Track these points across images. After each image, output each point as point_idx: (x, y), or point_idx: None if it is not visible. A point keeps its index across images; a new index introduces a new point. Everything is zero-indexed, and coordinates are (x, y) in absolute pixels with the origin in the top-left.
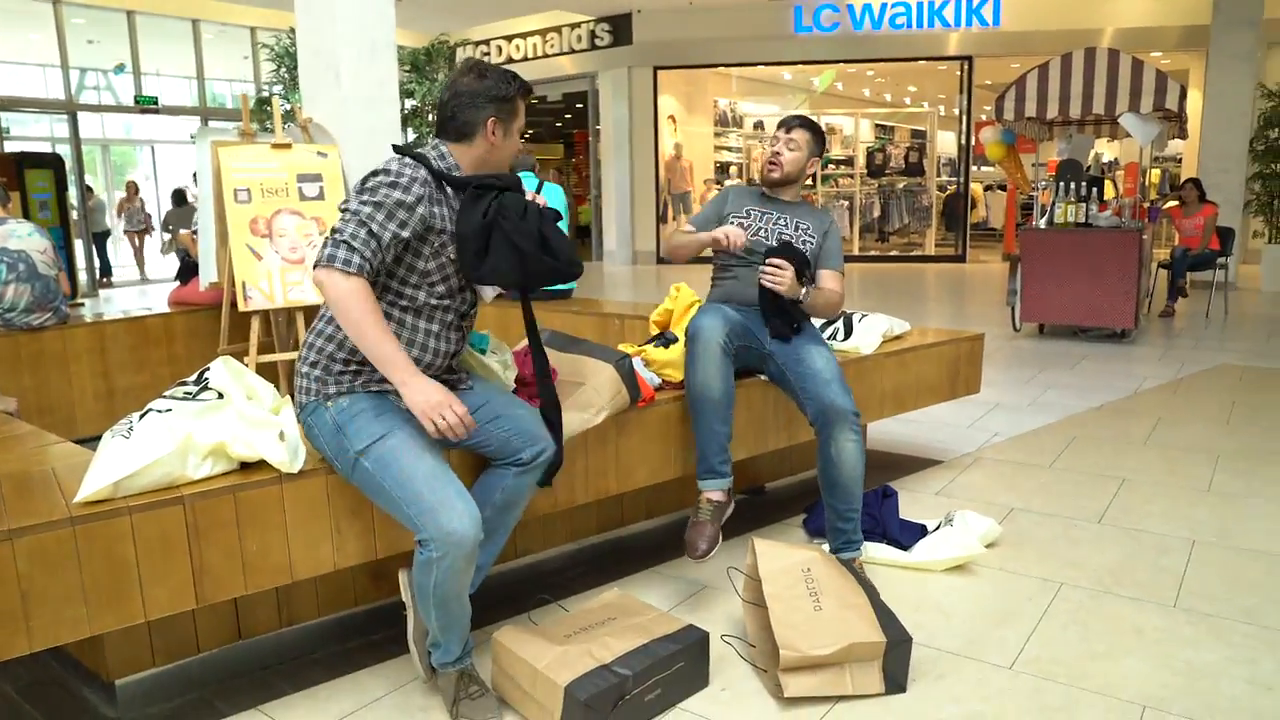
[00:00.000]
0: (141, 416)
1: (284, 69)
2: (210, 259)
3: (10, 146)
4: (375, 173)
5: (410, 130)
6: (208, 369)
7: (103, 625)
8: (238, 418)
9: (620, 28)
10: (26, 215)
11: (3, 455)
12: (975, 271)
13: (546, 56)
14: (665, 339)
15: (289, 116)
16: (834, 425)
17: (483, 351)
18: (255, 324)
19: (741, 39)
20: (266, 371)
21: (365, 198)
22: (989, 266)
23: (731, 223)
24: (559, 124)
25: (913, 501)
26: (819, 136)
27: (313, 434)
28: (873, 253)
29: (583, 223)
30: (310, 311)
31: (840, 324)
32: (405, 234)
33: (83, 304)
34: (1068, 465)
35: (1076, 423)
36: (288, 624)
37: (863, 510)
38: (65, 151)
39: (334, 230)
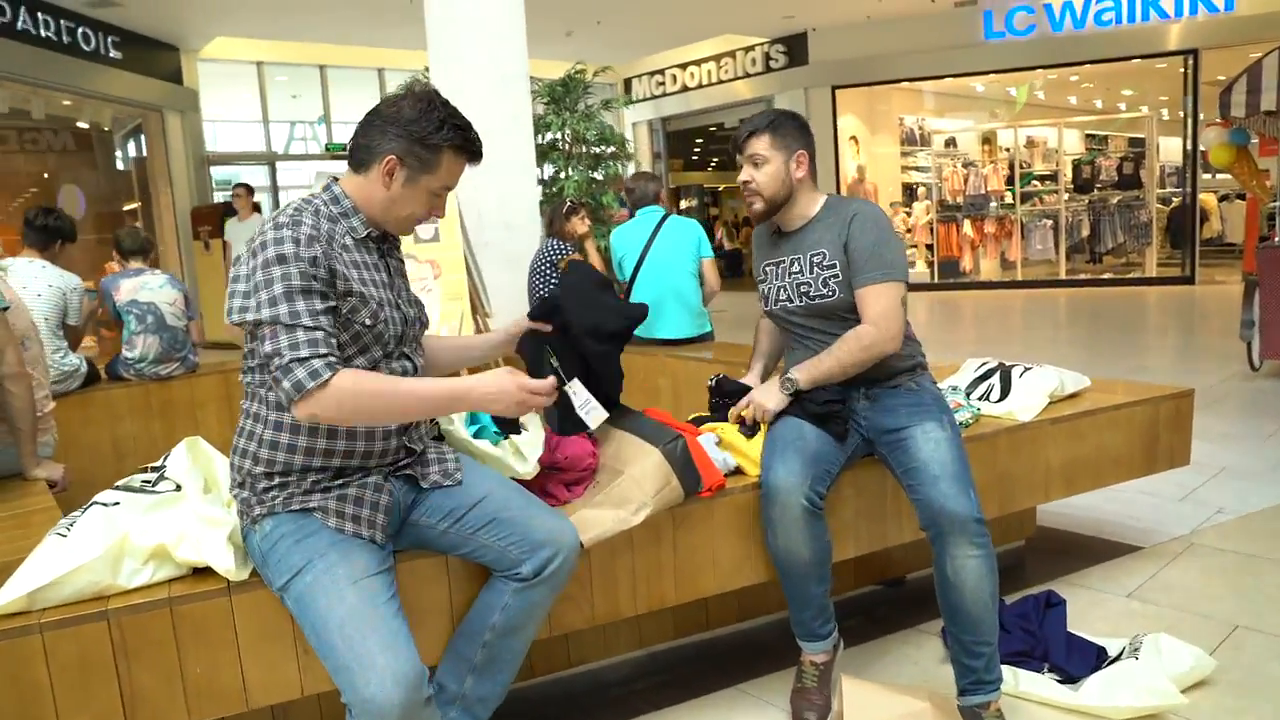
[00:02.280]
0: (85, 510)
1: None
2: None
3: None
4: (254, 253)
5: (548, 164)
6: (170, 454)
7: None
8: (192, 515)
9: (795, 48)
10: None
11: None
12: (1208, 294)
13: (721, 82)
14: (749, 426)
15: None
16: (948, 537)
17: (498, 439)
18: None
19: (926, 51)
20: None
21: (265, 295)
22: (1226, 288)
23: (760, 288)
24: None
25: (1093, 605)
26: (791, 125)
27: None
28: (1083, 276)
29: None
30: None
31: (996, 379)
32: (333, 301)
33: None
34: None
35: None
36: None
37: (1018, 623)
38: (268, 199)
39: (270, 356)
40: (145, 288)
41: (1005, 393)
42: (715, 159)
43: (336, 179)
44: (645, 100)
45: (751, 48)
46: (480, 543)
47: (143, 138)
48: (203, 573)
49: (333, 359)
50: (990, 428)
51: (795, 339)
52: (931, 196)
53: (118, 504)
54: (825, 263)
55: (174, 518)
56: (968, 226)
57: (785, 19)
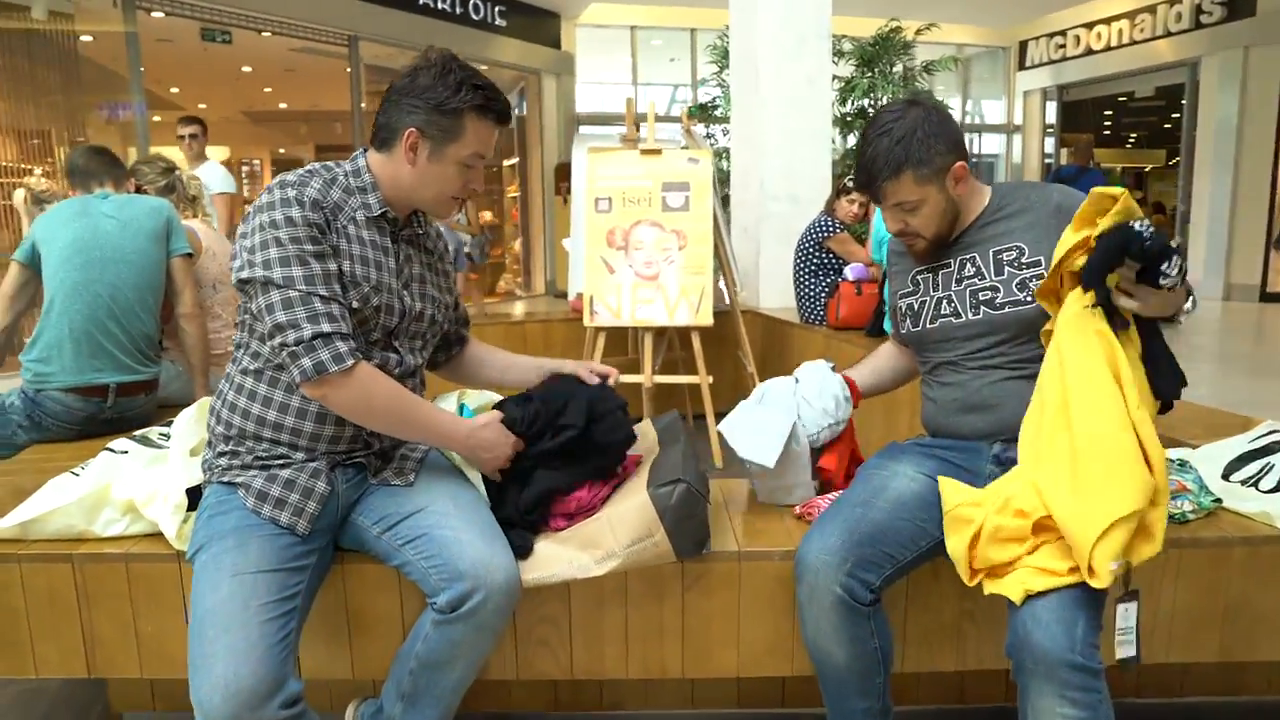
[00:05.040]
0: (99, 455)
1: (724, 70)
2: (581, 269)
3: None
4: (259, 209)
5: (851, 135)
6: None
7: None
8: (169, 475)
9: None
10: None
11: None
12: None
13: (1135, 43)
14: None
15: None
16: (1030, 678)
17: None
18: (600, 341)
19: None
20: (624, 392)
21: (275, 254)
22: None
23: (898, 304)
24: (1167, 124)
25: None
26: (926, 138)
27: None
28: None
29: None
30: (660, 334)
31: (1279, 460)
32: (335, 265)
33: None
34: None
35: None
36: None
37: None
38: None
39: (286, 327)
40: None
41: None
42: (1134, 135)
43: (366, 150)
44: (1040, 66)
45: (1179, 0)
46: (406, 558)
47: (523, 98)
48: None
49: (354, 344)
50: (1226, 530)
51: (951, 370)
52: None
53: (126, 453)
54: (1024, 259)
55: (157, 476)
56: None
57: None
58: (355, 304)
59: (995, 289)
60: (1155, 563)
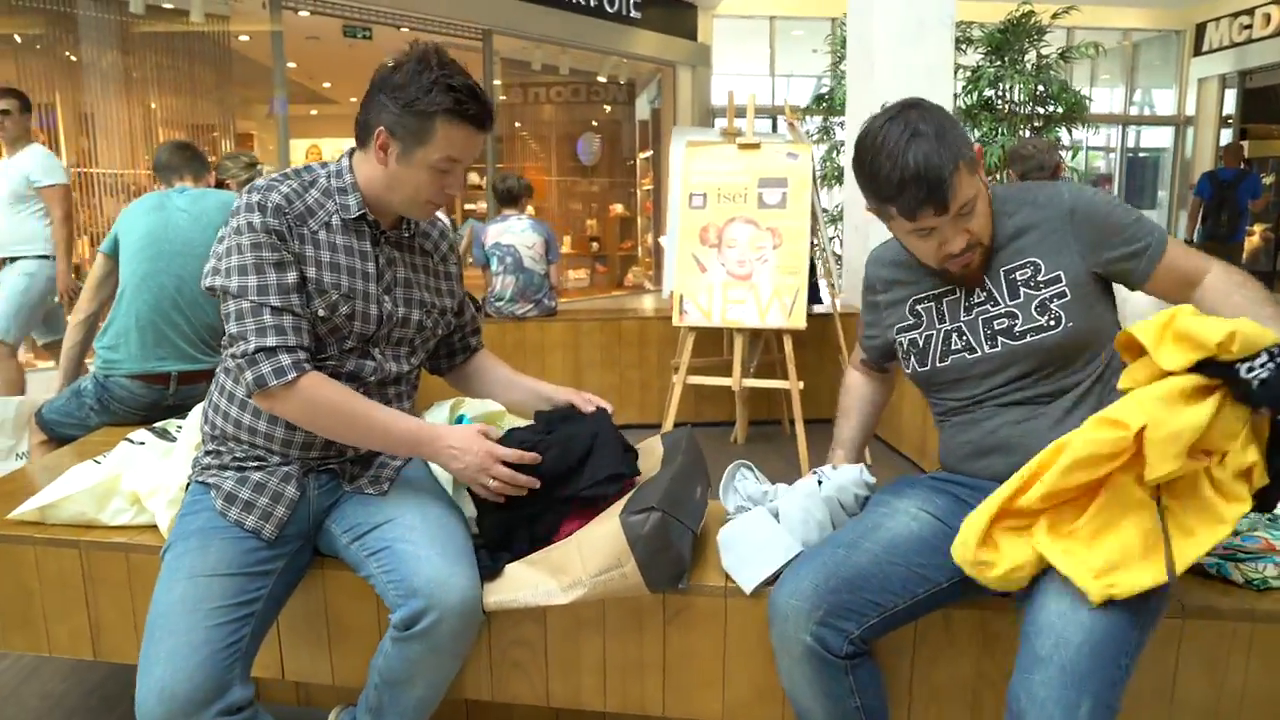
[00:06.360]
0: (118, 445)
1: (843, 60)
2: (674, 266)
3: None
4: (231, 214)
5: (977, 128)
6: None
7: (11, 645)
8: (172, 469)
9: None
10: None
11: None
12: None
13: None
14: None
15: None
16: None
17: None
18: (689, 341)
19: None
20: (720, 395)
21: (235, 262)
22: None
23: (896, 338)
24: None
25: None
26: (950, 126)
27: None
28: None
29: None
30: (755, 335)
31: None
32: (295, 272)
33: None
34: None
35: None
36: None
37: None
38: None
39: (235, 339)
40: (508, 231)
41: None
42: None
43: (354, 150)
44: (1220, 50)
45: None
46: (370, 570)
47: (657, 91)
48: None
49: (302, 355)
50: None
51: (964, 412)
52: None
53: (143, 444)
54: (1040, 277)
55: (164, 469)
56: None
57: None
58: (322, 312)
59: (1013, 315)
60: (1223, 635)
